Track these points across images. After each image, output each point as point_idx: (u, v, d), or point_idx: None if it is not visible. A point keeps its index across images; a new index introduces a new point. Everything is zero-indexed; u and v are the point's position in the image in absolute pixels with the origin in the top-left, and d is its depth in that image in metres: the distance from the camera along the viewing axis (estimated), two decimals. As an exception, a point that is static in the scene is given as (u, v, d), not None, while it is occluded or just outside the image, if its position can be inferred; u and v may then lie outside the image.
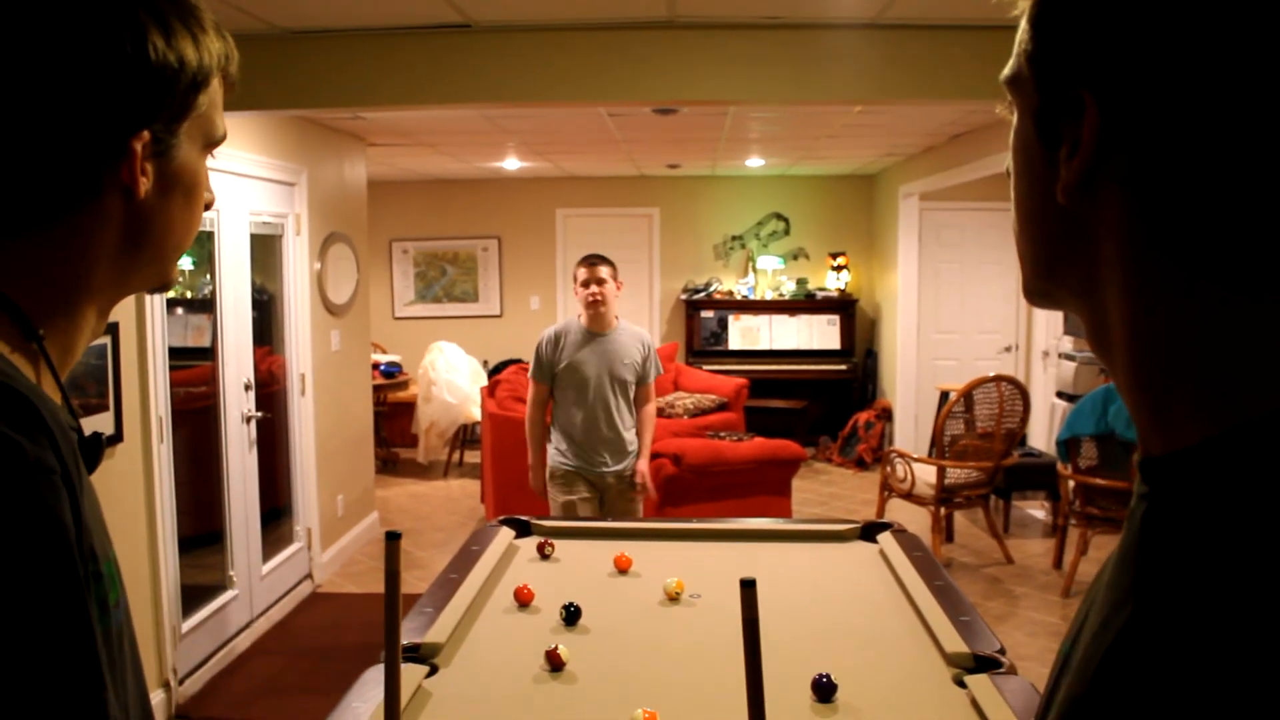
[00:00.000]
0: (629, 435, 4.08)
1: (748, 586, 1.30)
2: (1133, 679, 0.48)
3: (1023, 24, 0.57)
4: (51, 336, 0.75)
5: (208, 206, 0.84)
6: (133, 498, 3.74)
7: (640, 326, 4.26)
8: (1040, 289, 0.61)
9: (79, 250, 0.75)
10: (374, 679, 1.96)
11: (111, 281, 0.78)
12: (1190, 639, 0.46)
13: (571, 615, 2.34)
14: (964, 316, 8.44)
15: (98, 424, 3.48)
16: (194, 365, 4.38)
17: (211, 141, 0.82)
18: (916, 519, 5.70)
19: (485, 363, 8.91)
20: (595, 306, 3.97)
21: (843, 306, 8.99)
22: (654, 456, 4.50)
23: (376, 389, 7.66)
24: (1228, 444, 0.49)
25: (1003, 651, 2.11)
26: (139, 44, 0.72)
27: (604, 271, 3.97)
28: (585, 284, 3.97)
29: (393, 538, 1.12)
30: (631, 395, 4.09)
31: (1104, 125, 0.51)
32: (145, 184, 0.75)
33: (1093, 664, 0.52)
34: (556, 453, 4.06)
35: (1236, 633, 0.44)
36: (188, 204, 0.81)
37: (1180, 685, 0.45)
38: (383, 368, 8.19)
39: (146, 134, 0.74)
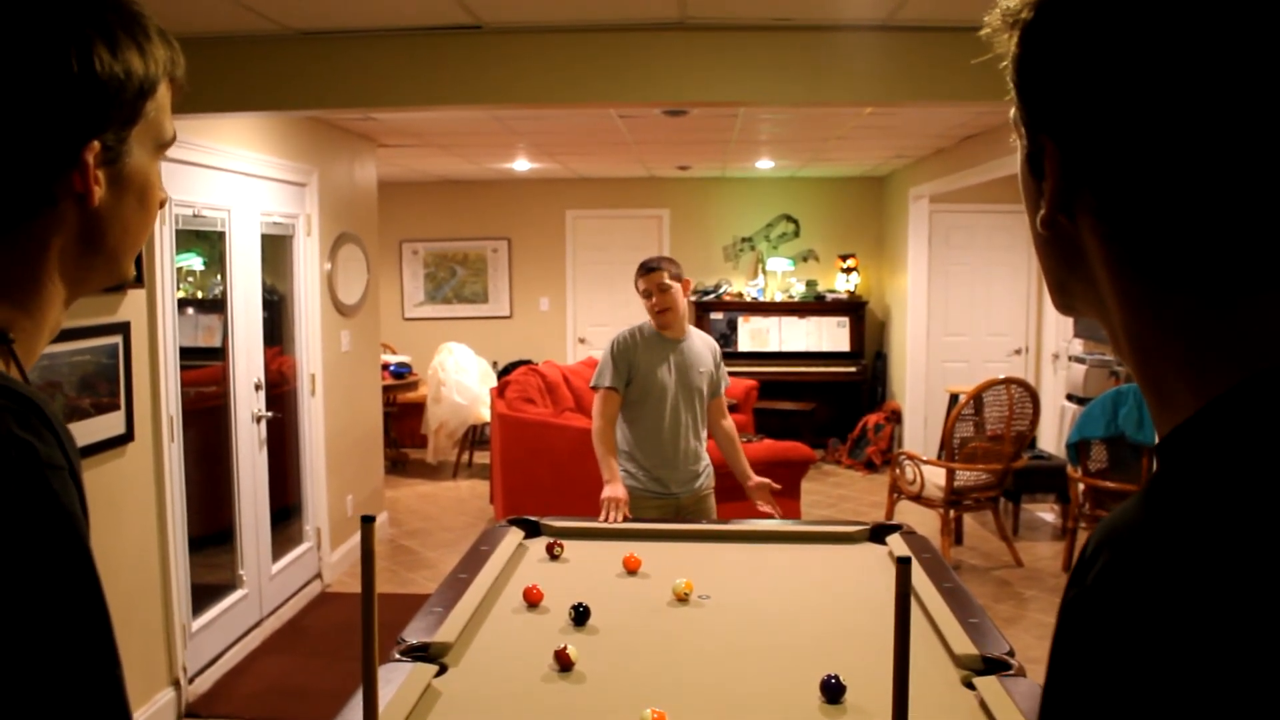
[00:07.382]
0: (702, 453, 3.73)
1: (904, 563, 1.34)
2: (1076, 627, 0.54)
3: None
4: (17, 338, 0.79)
5: (161, 205, 0.87)
6: (143, 496, 3.76)
7: (705, 333, 3.85)
8: (1061, 303, 0.68)
9: (38, 255, 0.78)
10: (383, 678, 1.96)
11: (71, 282, 0.82)
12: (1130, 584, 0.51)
13: (580, 615, 2.35)
14: (974, 319, 8.42)
15: (109, 423, 3.49)
16: (205, 365, 4.40)
17: (162, 144, 0.84)
18: (926, 521, 5.69)
19: (495, 364, 8.92)
20: (664, 317, 3.59)
21: (852, 308, 8.97)
22: None
23: (386, 389, 7.68)
24: (1198, 423, 0.55)
25: (1011, 654, 2.11)
26: (85, 59, 0.74)
27: (665, 278, 3.56)
28: (647, 294, 3.58)
29: (368, 520, 1.31)
30: (705, 409, 3.73)
31: (1064, 164, 0.60)
32: (99, 191, 0.78)
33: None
34: (625, 473, 3.60)
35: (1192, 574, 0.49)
36: (141, 206, 0.84)
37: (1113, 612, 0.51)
38: (392, 368, 8.21)
39: (97, 144, 0.77)
